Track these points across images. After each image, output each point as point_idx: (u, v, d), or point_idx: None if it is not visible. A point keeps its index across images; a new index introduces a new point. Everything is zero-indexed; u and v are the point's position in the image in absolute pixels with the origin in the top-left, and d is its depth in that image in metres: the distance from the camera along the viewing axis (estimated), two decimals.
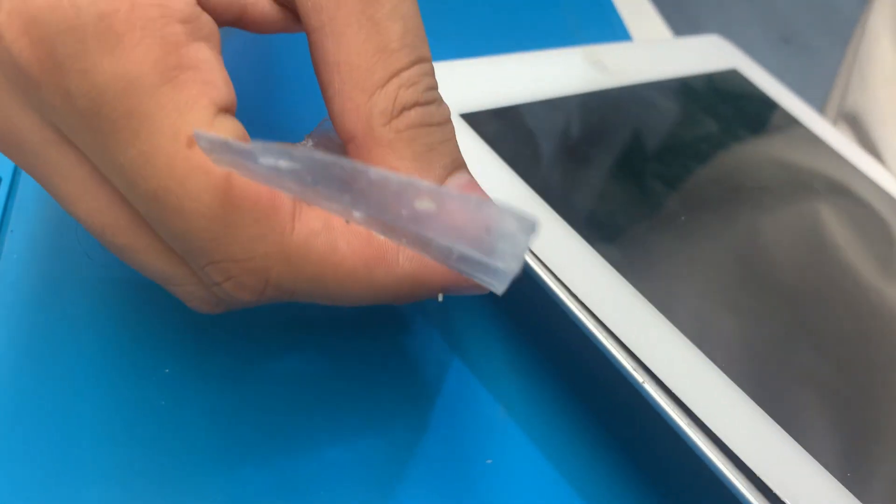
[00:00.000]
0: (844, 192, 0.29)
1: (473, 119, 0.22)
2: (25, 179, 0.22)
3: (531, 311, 0.23)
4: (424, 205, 0.13)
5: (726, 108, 0.30)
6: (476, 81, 0.24)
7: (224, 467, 0.18)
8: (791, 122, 0.32)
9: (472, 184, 0.16)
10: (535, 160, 0.22)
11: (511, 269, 0.13)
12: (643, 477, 0.20)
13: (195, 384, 0.19)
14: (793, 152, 0.30)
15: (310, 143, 0.16)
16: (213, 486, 0.17)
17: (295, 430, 0.18)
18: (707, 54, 0.33)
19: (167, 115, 0.13)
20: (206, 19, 0.14)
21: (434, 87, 0.15)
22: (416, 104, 0.15)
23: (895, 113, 0.32)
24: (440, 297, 0.17)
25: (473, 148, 0.21)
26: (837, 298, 0.24)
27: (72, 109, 0.13)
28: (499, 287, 0.14)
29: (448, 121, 0.16)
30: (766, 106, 0.32)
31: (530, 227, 0.12)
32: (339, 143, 0.16)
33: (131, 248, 0.15)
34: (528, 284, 0.18)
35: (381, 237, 0.15)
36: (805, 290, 0.24)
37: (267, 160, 0.13)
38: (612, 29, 0.37)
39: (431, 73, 0.15)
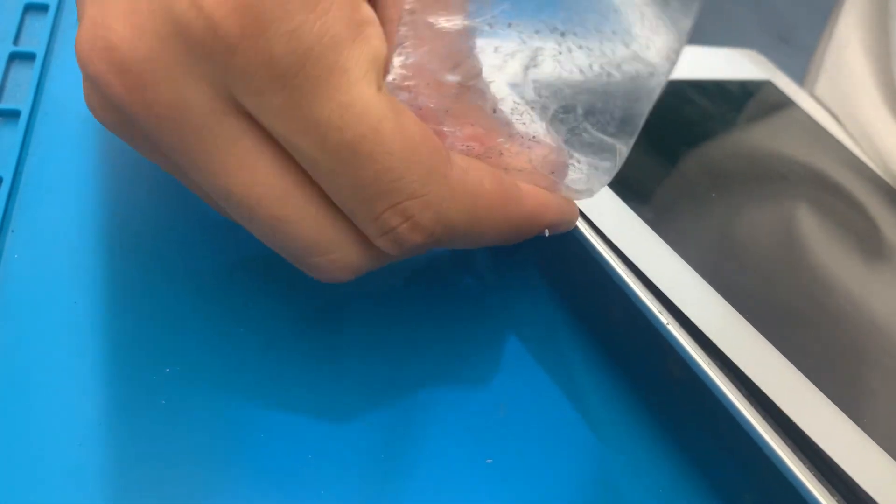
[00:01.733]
0: (861, 196, 0.30)
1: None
2: (27, 179, 0.22)
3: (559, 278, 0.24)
4: None
5: (758, 111, 0.32)
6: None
7: (225, 466, 0.18)
8: (820, 130, 0.33)
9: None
10: None
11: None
12: (642, 475, 0.20)
13: (196, 384, 0.19)
14: (818, 156, 0.31)
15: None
16: (214, 484, 0.17)
17: (294, 429, 0.19)
18: (744, 65, 0.34)
19: (361, 65, 0.14)
20: None
21: None
22: None
23: (873, 120, 0.33)
24: (546, 233, 0.18)
25: None
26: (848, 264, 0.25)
27: (270, 72, 0.13)
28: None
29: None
30: (798, 114, 0.33)
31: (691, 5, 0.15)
32: None
33: (285, 219, 0.15)
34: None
35: (506, 179, 0.17)
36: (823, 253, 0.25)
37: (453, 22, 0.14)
38: None
39: None
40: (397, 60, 0.15)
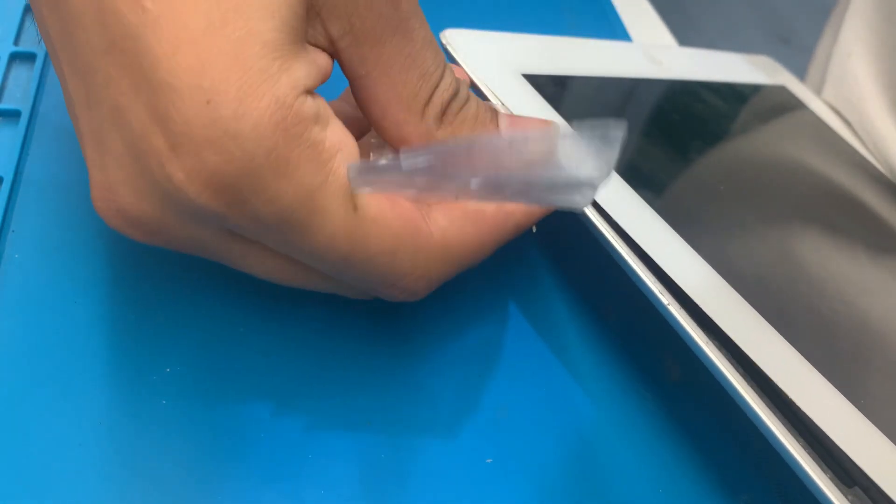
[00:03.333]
0: (874, 201, 0.30)
1: (534, 80, 0.24)
2: (27, 180, 0.22)
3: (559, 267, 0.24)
4: (535, 146, 0.16)
5: (771, 113, 0.32)
6: (536, 51, 0.26)
7: (226, 466, 0.18)
8: (832, 134, 0.33)
9: (517, 118, 0.20)
10: (587, 117, 0.24)
11: (602, 175, 0.16)
12: (643, 474, 0.20)
13: (196, 384, 0.19)
14: (830, 160, 0.31)
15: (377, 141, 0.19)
16: (214, 484, 0.17)
17: (295, 429, 0.19)
18: (758, 70, 0.34)
19: (337, 198, 0.15)
20: (316, 95, 0.15)
21: (453, 77, 0.18)
22: (451, 98, 0.18)
23: (880, 128, 0.33)
24: (534, 229, 0.20)
25: (531, 101, 0.23)
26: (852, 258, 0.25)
27: (260, 226, 0.15)
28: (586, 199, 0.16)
29: (468, 91, 0.19)
30: (811, 118, 0.33)
31: (615, 137, 0.15)
32: None
33: (303, 286, 0.18)
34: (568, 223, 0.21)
35: (487, 212, 0.18)
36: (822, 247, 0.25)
37: (409, 162, 0.16)
38: (611, 29, 0.37)
39: (449, 68, 0.18)
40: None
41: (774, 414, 0.17)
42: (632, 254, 0.19)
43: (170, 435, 0.18)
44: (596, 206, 0.20)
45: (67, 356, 0.18)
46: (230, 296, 0.21)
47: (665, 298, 0.19)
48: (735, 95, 0.31)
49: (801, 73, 0.38)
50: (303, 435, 0.18)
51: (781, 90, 0.33)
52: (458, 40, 0.23)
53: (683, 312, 0.18)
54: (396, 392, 0.20)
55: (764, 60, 0.35)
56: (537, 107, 0.23)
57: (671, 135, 0.27)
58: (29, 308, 0.19)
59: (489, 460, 0.19)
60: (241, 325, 0.20)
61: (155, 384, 0.18)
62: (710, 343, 0.18)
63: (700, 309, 0.18)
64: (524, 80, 0.24)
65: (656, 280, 0.19)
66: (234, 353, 0.20)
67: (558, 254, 0.25)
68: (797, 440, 0.17)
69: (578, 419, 0.21)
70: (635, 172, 0.23)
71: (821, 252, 0.25)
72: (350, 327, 0.21)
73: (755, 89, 0.32)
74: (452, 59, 0.23)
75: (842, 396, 0.18)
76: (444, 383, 0.20)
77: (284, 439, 0.18)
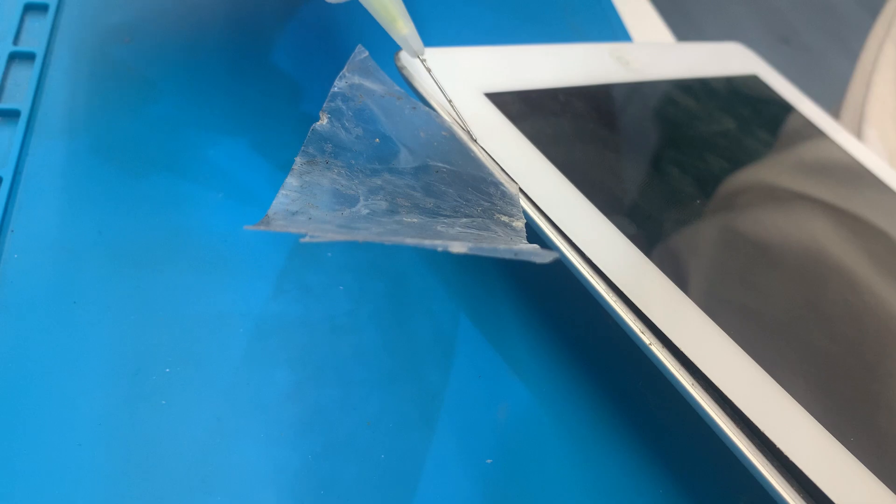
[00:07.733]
0: (850, 193, 0.29)
1: (497, 98, 0.23)
2: (27, 180, 0.22)
3: (544, 296, 0.23)
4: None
5: (744, 108, 0.31)
6: (500, 66, 0.25)
7: (224, 467, 0.18)
8: (808, 126, 0.32)
9: None
10: (554, 137, 0.23)
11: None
12: (644, 473, 0.20)
13: (196, 384, 0.19)
14: (807, 154, 0.31)
15: (348, 73, 0.21)
16: (213, 485, 0.17)
17: (294, 429, 0.19)
18: (728, 60, 0.33)
19: None
20: None
21: None
22: None
23: None
24: None
25: (496, 123, 0.22)
26: (837, 284, 0.25)
27: None
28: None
29: None
30: (784, 110, 0.33)
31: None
32: (374, 67, 0.21)
33: None
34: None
35: None
36: (806, 275, 0.24)
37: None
38: (611, 29, 0.37)
39: None
40: None
41: (773, 465, 0.17)
42: (609, 291, 0.19)
43: (169, 435, 0.18)
44: (565, 236, 0.20)
45: (67, 356, 0.18)
46: (229, 296, 0.21)
47: (647, 338, 0.18)
48: (706, 91, 0.30)
49: (801, 72, 0.38)
50: (302, 435, 0.18)
51: (753, 80, 0.33)
52: (413, 62, 0.22)
53: (664, 350, 0.18)
54: (396, 392, 0.20)
55: (735, 48, 0.34)
56: (503, 130, 0.22)
57: (641, 146, 0.26)
58: (28, 308, 0.19)
59: (489, 460, 0.19)
60: (240, 326, 0.20)
61: (154, 384, 0.18)
62: (699, 389, 0.18)
63: (695, 365, 0.18)
64: (487, 101, 0.23)
65: (636, 318, 0.18)
66: (233, 353, 0.20)
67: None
68: (780, 474, 0.17)
69: (579, 420, 0.21)
70: (608, 195, 0.22)
71: (806, 268, 0.24)
72: (350, 329, 0.21)
73: (727, 82, 0.32)
74: (409, 84, 0.22)
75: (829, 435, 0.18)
76: (444, 383, 0.20)
77: (283, 439, 0.18)
